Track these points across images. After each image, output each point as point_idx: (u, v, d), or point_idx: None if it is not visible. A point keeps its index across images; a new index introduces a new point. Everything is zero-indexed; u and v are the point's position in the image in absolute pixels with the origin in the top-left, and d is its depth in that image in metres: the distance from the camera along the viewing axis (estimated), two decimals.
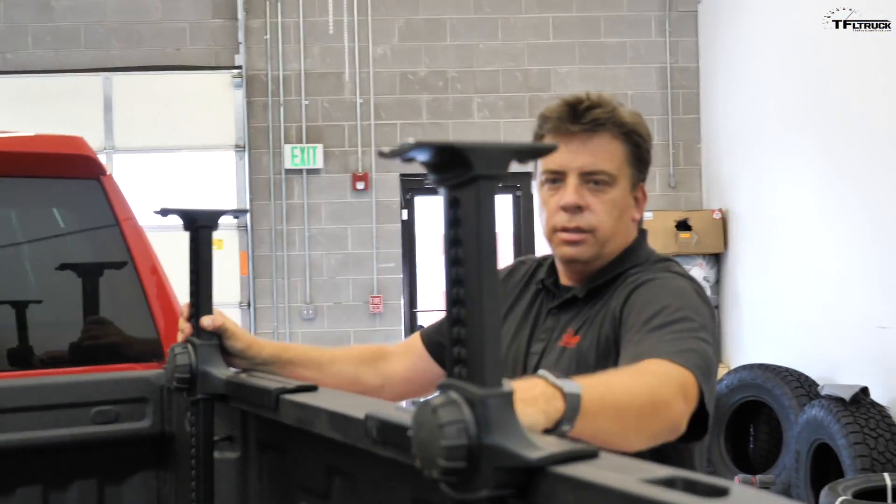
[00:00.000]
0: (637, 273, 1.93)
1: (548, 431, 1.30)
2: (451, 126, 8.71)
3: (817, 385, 6.21)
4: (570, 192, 1.93)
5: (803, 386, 6.35)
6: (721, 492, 0.92)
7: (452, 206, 1.09)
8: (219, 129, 8.61)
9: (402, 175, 8.69)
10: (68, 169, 2.36)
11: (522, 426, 1.08)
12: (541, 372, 1.34)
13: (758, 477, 5.91)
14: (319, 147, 8.60)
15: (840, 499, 4.40)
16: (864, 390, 5.53)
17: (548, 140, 1.96)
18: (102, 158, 8.40)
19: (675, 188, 8.81)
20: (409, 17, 8.73)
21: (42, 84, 8.46)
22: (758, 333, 7.76)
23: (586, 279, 2.00)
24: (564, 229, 1.96)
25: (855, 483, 4.74)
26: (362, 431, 1.38)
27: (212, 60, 8.67)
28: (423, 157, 1.06)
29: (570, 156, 1.94)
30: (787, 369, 6.55)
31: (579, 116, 1.92)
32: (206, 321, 1.97)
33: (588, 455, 1.07)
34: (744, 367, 6.83)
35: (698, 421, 1.65)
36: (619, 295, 1.89)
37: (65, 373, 2.30)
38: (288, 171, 8.63)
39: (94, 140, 8.37)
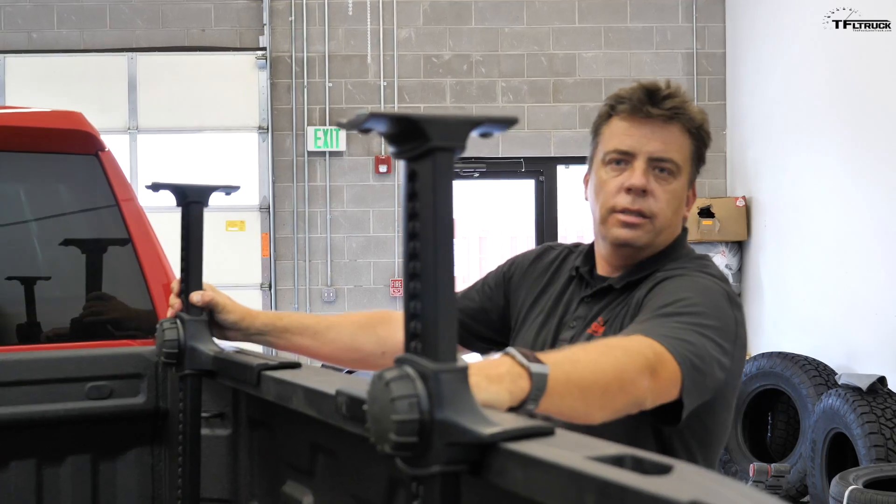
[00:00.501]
0: (670, 268, 1.91)
1: (513, 410, 1.28)
2: (475, 110, 8.67)
3: (835, 374, 6.16)
4: (638, 175, 1.90)
5: (821, 375, 6.30)
6: (665, 469, 0.90)
7: (410, 179, 1.08)
8: (242, 111, 8.62)
9: None
10: (67, 144, 2.36)
11: (476, 402, 1.07)
12: (509, 350, 1.33)
13: (773, 465, 5.86)
14: (342, 131, 8.58)
15: (850, 488, 4.36)
16: (882, 380, 5.47)
17: (618, 121, 1.95)
18: (126, 139, 8.49)
19: (699, 175, 8.72)
20: (433, 0, 8.70)
21: (67, 64, 8.51)
22: (779, 321, 7.70)
23: (625, 270, 1.98)
24: (625, 211, 1.92)
25: (867, 472, 4.70)
26: (334, 407, 1.38)
27: (236, 42, 8.68)
28: (380, 127, 1.05)
29: (643, 139, 1.91)
30: (805, 358, 6.49)
31: (658, 102, 1.91)
32: (195, 297, 1.97)
33: (543, 432, 1.06)
34: (762, 356, 6.78)
35: (676, 408, 1.62)
36: (645, 287, 1.88)
37: (63, 348, 2.31)
38: (311, 154, 8.63)
39: (119, 120, 8.44)
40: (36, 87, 8.43)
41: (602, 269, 2.04)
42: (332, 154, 8.64)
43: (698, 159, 1.97)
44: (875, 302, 6.26)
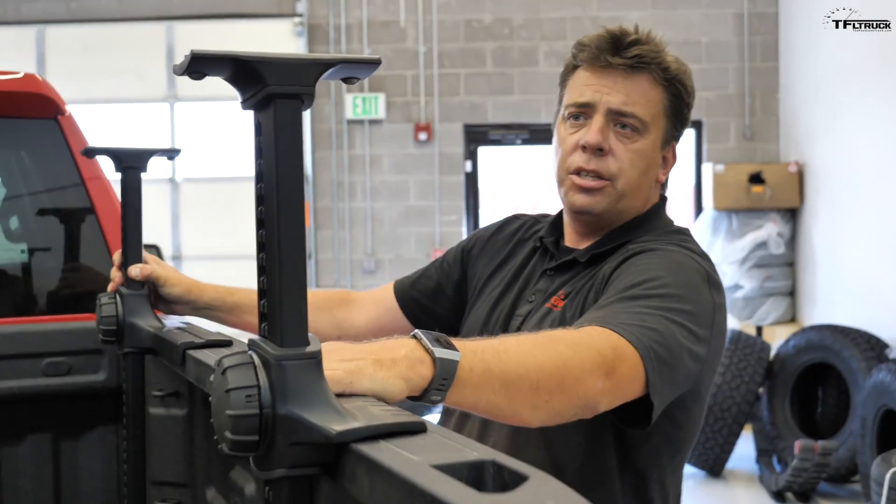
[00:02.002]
0: (643, 240, 1.70)
1: (414, 399, 1.12)
2: (517, 75, 8.46)
3: (888, 347, 5.87)
4: (594, 131, 1.70)
5: (873, 348, 6.01)
6: (518, 482, 0.74)
7: (257, 132, 0.92)
8: None
9: (465, 125, 8.49)
10: (23, 108, 2.23)
11: (330, 394, 0.91)
12: (416, 332, 1.17)
13: (819, 443, 5.60)
14: (381, 97, 8.43)
15: (892, 470, 4.12)
16: None
17: (581, 72, 1.75)
18: (166, 107, 8.43)
19: (750, 140, 8.44)
20: None
21: (106, 33, 8.46)
22: (832, 292, 7.41)
23: (593, 242, 1.78)
24: (580, 171, 1.72)
25: None
26: None
27: (273, 8, 8.55)
28: (213, 72, 0.89)
29: (603, 90, 1.70)
30: (856, 330, 6.21)
31: (622, 49, 1.69)
32: (133, 270, 1.84)
33: (411, 430, 0.90)
34: (812, 328, 6.51)
35: (644, 407, 1.42)
36: (613, 261, 1.67)
37: (16, 322, 2.19)
38: (350, 122, 8.49)
39: (158, 88, 8.38)
40: (75, 57, 8.39)
41: (569, 239, 1.84)
42: (371, 122, 8.49)
43: (675, 115, 1.74)
44: None
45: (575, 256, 1.77)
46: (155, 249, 3.54)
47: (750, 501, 6.12)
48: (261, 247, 0.91)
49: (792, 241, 8.04)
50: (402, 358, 1.10)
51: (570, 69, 1.79)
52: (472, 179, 8.63)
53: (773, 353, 6.66)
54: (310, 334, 0.91)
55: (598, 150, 1.70)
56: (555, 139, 1.80)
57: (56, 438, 2.23)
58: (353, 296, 2.07)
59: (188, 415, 2.05)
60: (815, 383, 6.69)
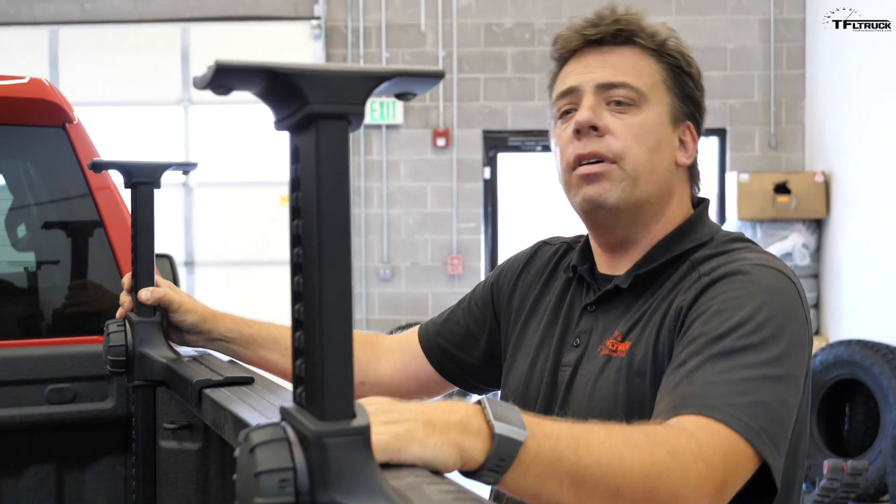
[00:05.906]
0: (707, 257, 1.44)
1: (467, 475, 0.96)
2: (538, 80, 8.29)
3: None
4: (583, 109, 1.48)
5: None
6: None
7: (294, 158, 0.76)
8: None
9: (484, 131, 8.33)
10: (29, 115, 2.09)
11: (380, 478, 0.76)
12: (482, 399, 0.99)
13: (849, 462, 5.44)
14: (399, 101, 8.26)
15: None
16: None
17: (564, 67, 1.54)
18: (180, 110, 8.29)
19: (775, 148, 8.25)
20: None
21: (120, 34, 8.32)
22: (860, 306, 7.23)
23: (633, 265, 1.51)
24: (579, 162, 1.47)
25: None
26: None
27: (290, 11, 8.41)
28: (241, 86, 0.73)
29: (587, 69, 1.50)
30: (887, 346, 6.04)
31: (598, 23, 1.51)
32: (143, 294, 1.68)
33: None
34: (840, 343, 6.34)
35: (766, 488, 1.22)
36: (685, 289, 1.40)
37: (17, 345, 2.04)
38: (367, 127, 8.33)
39: (172, 91, 8.25)
40: (89, 58, 8.27)
41: (602, 263, 1.58)
42: (388, 127, 8.34)
43: (679, 88, 1.52)
44: None
45: (616, 284, 1.51)
46: (167, 260, 3.38)
47: None
48: (297, 296, 0.76)
49: (817, 253, 7.86)
50: (456, 424, 0.94)
51: (555, 73, 1.58)
52: (490, 186, 8.47)
53: None
54: (356, 403, 0.76)
55: (593, 130, 1.47)
56: (553, 149, 1.57)
57: (60, 469, 2.08)
58: (379, 339, 1.87)
59: (202, 448, 1.90)
60: (843, 399, 6.52)
